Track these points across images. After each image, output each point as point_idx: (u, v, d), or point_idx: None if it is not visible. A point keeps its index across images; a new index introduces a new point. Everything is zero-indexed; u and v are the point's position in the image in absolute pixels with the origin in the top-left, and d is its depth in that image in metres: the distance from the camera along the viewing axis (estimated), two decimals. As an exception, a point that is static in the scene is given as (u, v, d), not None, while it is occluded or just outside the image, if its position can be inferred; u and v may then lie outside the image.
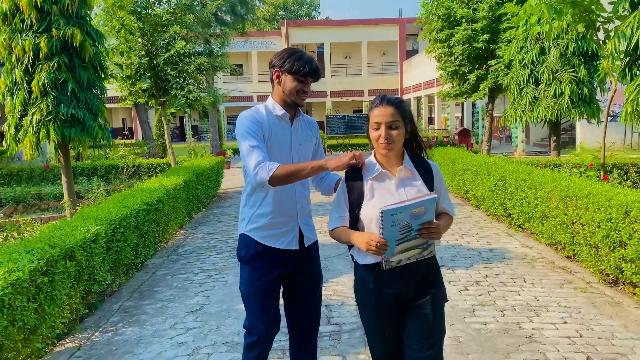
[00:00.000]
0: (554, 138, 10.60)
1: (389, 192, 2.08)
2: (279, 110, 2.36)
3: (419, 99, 31.72)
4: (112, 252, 4.65)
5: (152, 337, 3.85)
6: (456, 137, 18.22)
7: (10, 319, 2.92)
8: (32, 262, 3.24)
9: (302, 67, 2.28)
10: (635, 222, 4.08)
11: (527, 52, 9.84)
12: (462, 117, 26.23)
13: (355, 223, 2.12)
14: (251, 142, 2.22)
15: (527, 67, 9.86)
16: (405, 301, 2.12)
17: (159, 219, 6.07)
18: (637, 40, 5.15)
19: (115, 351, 3.65)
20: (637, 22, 5.17)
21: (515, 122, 10.28)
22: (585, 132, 17.02)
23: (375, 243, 1.93)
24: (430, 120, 31.89)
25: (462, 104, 25.15)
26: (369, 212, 2.04)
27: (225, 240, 6.89)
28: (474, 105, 23.83)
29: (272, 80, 2.37)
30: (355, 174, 2.13)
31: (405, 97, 34.44)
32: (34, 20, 7.11)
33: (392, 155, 2.08)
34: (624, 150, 16.54)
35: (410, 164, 2.12)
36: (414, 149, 2.18)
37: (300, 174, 2.17)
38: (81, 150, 12.51)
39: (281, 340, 3.54)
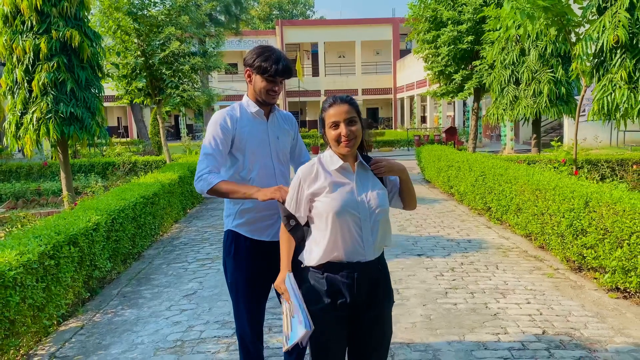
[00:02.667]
0: (534, 135, 11.03)
1: (349, 186, 2.04)
2: (253, 107, 2.46)
3: (412, 98, 32.12)
4: (112, 241, 4.97)
5: (150, 318, 4.18)
6: (444, 134, 18.63)
7: (21, 296, 3.24)
8: (40, 246, 3.57)
9: (270, 67, 2.32)
10: (594, 211, 4.44)
11: (508, 53, 10.27)
12: (454, 115, 26.65)
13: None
14: (207, 150, 2.37)
15: (508, 68, 10.29)
16: (355, 309, 2.07)
17: (155, 212, 6.39)
18: (603, 43, 5.52)
19: (116, 330, 3.98)
20: (603, 26, 5.54)
21: (497, 120, 10.69)
22: (572, 130, 17.44)
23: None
24: (423, 119, 32.31)
25: (454, 103, 25.56)
26: (328, 205, 2.00)
27: (219, 232, 7.21)
28: (464, 104, 24.26)
29: (246, 79, 2.47)
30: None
31: (399, 95, 34.84)
32: (34, 22, 7.41)
33: (352, 153, 2.06)
34: (610, 148, 16.94)
35: (365, 159, 2.12)
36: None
37: (234, 195, 2.30)
38: (79, 148, 12.82)
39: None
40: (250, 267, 2.50)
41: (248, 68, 2.41)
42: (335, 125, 2.00)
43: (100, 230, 4.58)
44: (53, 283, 3.69)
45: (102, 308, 4.44)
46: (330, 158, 2.08)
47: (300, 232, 2.12)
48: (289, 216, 2.10)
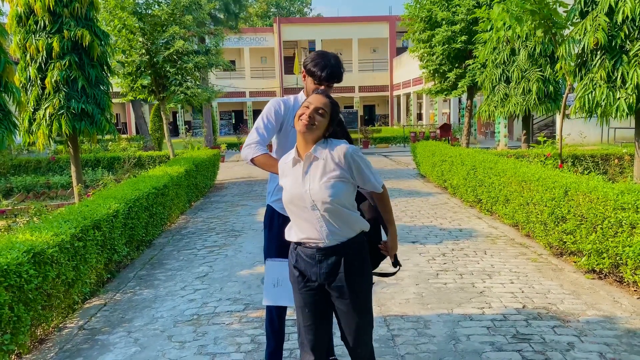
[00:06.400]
0: (524, 132, 11.49)
1: (295, 177, 2.22)
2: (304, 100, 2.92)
3: (408, 96, 32.52)
4: (128, 228, 5.35)
5: (166, 296, 4.57)
6: (438, 131, 19.07)
7: (56, 272, 3.63)
8: (71, 229, 3.96)
9: (317, 72, 2.63)
10: (572, 199, 4.86)
11: (499, 53, 10.72)
12: (449, 113, 27.08)
13: None
14: (259, 125, 2.75)
15: (499, 67, 10.75)
16: (321, 284, 2.26)
17: (165, 202, 6.78)
18: (584, 45, 5.93)
19: (136, 306, 4.36)
20: (584, 29, 5.95)
21: (489, 117, 11.14)
22: (565, 127, 17.84)
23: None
24: (419, 116, 32.72)
25: (450, 100, 25.98)
26: (283, 195, 2.28)
27: (224, 223, 7.61)
28: (460, 101, 24.71)
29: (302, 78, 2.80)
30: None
31: (395, 93, 35.23)
32: (46, 22, 7.77)
33: (310, 139, 2.18)
34: (600, 145, 17.38)
35: (318, 151, 2.19)
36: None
37: (271, 169, 2.59)
38: (85, 143, 13.16)
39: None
40: (282, 241, 2.75)
41: (304, 69, 2.76)
42: (307, 105, 2.20)
43: (119, 217, 4.97)
44: (81, 263, 4.07)
45: (121, 289, 4.83)
46: (292, 152, 2.28)
47: None
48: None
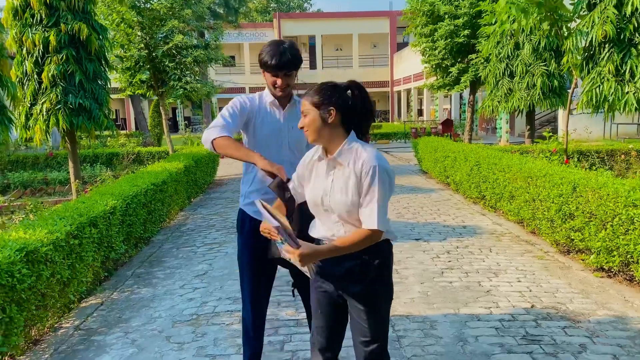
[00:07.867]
0: (528, 127, 11.37)
1: (317, 179, 2.13)
2: (269, 97, 2.61)
3: (408, 91, 32.37)
4: (125, 225, 5.23)
5: (165, 295, 4.46)
6: (440, 127, 18.94)
7: (51, 271, 3.52)
8: (66, 226, 3.84)
9: (268, 60, 2.42)
10: (580, 196, 4.74)
11: (503, 47, 10.57)
12: (450, 108, 26.94)
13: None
14: (224, 113, 2.54)
15: (503, 61, 10.60)
16: (337, 285, 2.16)
17: (164, 199, 6.66)
18: (592, 38, 5.80)
19: (134, 306, 4.25)
20: (592, 22, 5.82)
21: (492, 112, 11.01)
22: (570, 123, 17.73)
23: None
24: (420, 112, 32.58)
25: (451, 96, 25.83)
26: (307, 195, 2.17)
27: (224, 219, 7.49)
28: (461, 97, 24.56)
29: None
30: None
31: (396, 88, 35.08)
32: (43, 16, 7.64)
33: (325, 138, 2.05)
34: (603, 140, 17.26)
35: (343, 155, 2.03)
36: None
37: (235, 152, 2.35)
38: (83, 138, 13.03)
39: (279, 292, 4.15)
40: (255, 245, 2.65)
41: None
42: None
43: (116, 214, 4.85)
44: (77, 261, 3.96)
45: (119, 287, 4.71)
46: (318, 149, 2.15)
47: (292, 204, 2.22)
48: (283, 187, 2.20)
